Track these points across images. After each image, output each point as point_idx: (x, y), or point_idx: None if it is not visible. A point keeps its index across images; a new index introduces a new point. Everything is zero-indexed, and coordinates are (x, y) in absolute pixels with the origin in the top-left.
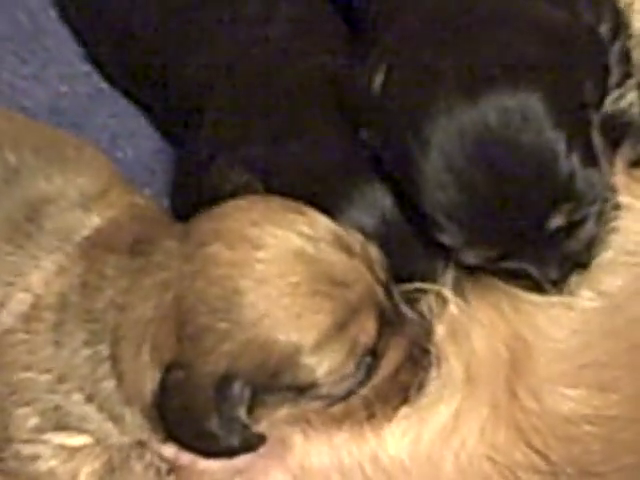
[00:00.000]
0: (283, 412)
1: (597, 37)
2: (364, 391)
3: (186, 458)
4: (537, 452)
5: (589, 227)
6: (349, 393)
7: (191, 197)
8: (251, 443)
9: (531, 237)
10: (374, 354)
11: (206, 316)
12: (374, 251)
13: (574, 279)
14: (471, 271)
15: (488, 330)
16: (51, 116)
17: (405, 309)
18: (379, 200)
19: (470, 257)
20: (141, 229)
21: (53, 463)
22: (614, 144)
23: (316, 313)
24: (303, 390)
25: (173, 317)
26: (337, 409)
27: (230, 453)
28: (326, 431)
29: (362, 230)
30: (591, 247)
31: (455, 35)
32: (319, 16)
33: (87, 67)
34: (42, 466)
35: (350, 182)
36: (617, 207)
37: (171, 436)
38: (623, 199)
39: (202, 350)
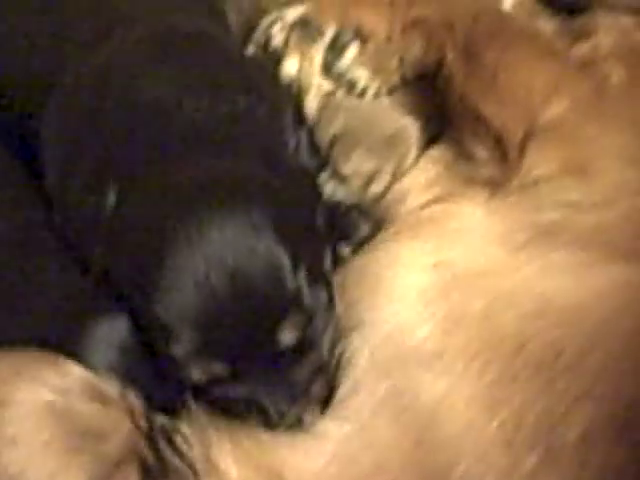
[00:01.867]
0: None
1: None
2: None
3: None
4: None
5: (319, 354)
6: None
7: None
8: None
9: (262, 352)
10: None
11: None
12: (133, 399)
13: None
14: (210, 406)
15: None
16: None
17: (172, 458)
18: (115, 332)
19: (198, 372)
20: None
21: None
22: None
23: (70, 471)
24: None
25: None
26: None
27: None
28: None
29: (109, 369)
30: (325, 377)
31: (180, 151)
32: None
33: None
34: None
35: (81, 322)
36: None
37: None
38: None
39: None
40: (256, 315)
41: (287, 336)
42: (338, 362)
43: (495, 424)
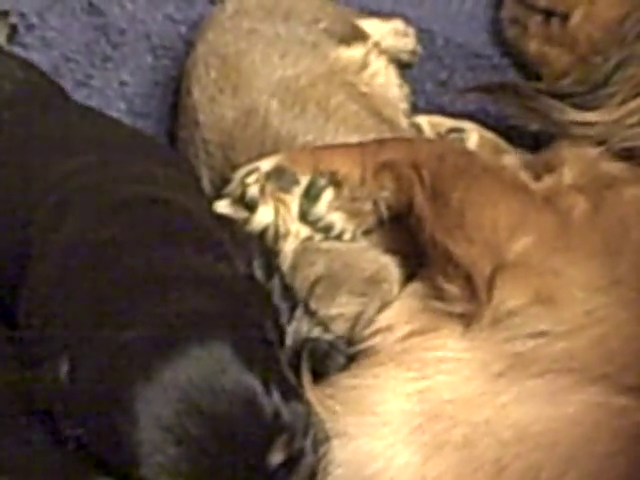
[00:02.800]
0: None
1: (258, 283)
2: None
3: None
4: None
5: (308, 459)
6: None
7: None
8: None
9: (256, 477)
10: None
11: None
12: None
13: None
14: None
15: None
16: None
17: None
18: None
19: None
20: None
21: None
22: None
23: None
24: None
25: None
26: None
27: None
28: None
29: None
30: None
31: (130, 304)
32: None
33: None
34: None
35: None
36: (327, 438)
37: None
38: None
39: None
40: (243, 449)
41: (277, 456)
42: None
43: None
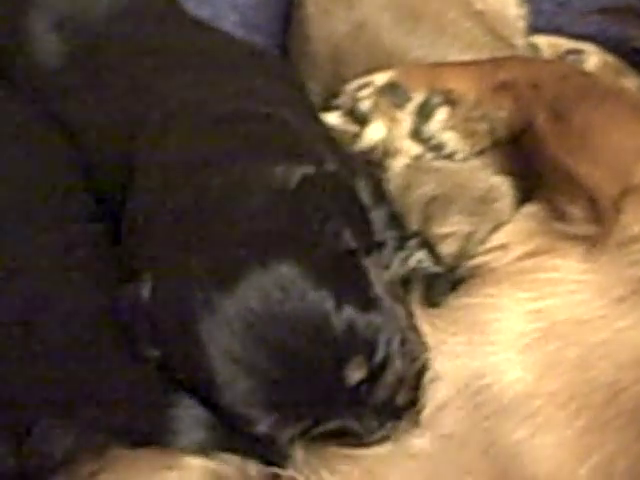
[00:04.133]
0: None
1: (342, 182)
2: None
3: None
4: None
5: (393, 367)
6: None
7: None
8: None
9: (337, 397)
10: None
11: None
12: (254, 467)
13: (404, 424)
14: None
15: None
16: None
17: None
18: (196, 409)
19: (289, 434)
20: None
21: None
22: None
23: None
24: None
25: None
26: None
27: None
28: None
29: (199, 448)
30: (407, 387)
31: (197, 229)
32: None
33: None
34: None
35: (160, 410)
36: (426, 348)
37: None
38: (431, 340)
39: None
40: (316, 373)
41: (355, 374)
42: (422, 371)
43: (585, 470)
